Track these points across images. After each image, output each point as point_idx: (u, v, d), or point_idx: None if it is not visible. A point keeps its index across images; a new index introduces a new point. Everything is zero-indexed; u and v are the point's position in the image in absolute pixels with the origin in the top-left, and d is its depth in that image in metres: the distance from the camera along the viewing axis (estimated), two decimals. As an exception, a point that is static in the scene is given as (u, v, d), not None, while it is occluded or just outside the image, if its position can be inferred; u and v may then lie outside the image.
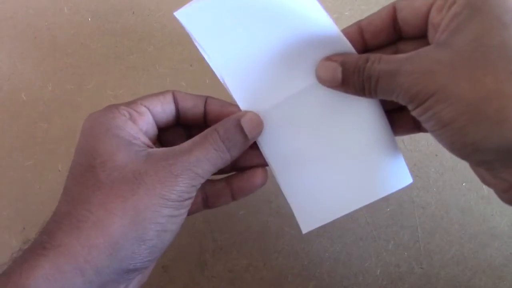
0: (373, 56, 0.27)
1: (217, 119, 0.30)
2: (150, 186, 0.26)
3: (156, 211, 0.26)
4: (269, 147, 0.32)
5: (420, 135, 0.44)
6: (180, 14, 0.29)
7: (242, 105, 0.31)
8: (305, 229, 0.32)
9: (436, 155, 0.44)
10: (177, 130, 0.33)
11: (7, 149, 0.45)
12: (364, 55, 0.27)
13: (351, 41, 0.29)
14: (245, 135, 0.29)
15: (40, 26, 0.46)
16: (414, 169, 0.44)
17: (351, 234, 0.43)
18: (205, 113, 0.31)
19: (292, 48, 0.30)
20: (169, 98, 0.30)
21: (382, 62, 0.26)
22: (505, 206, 0.43)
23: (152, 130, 0.30)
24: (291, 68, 0.30)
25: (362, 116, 0.31)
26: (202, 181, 0.28)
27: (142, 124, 0.29)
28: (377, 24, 0.29)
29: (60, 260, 0.24)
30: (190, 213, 0.29)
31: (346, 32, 0.29)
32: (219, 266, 0.44)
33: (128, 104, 0.29)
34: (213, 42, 0.30)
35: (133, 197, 0.25)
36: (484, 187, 0.43)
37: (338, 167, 0.31)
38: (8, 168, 0.45)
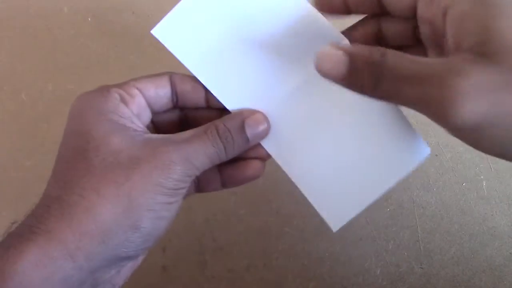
0: (391, 52, 0.22)
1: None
2: (146, 173, 0.25)
3: (150, 198, 0.25)
4: (276, 150, 0.30)
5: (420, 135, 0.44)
6: (156, 32, 0.28)
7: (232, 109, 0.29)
8: (335, 227, 0.30)
9: (436, 155, 0.44)
10: (173, 114, 0.31)
11: (7, 149, 0.45)
12: (377, 49, 0.23)
13: (334, 7, 0.27)
14: (246, 139, 0.28)
15: (40, 26, 0.46)
16: (414, 169, 0.44)
17: (351, 234, 0.43)
18: (207, 96, 0.30)
19: (278, 43, 0.28)
20: (164, 81, 0.29)
21: (403, 63, 0.22)
22: (505, 206, 0.43)
23: (145, 113, 0.29)
24: (281, 64, 0.29)
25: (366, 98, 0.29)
26: (197, 173, 0.27)
27: (133, 107, 0.28)
28: None
29: (49, 245, 0.23)
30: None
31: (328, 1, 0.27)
32: (219, 266, 0.44)
33: (120, 85, 0.28)
34: (193, 55, 0.28)
35: (127, 182, 0.25)
36: (484, 187, 0.43)
37: (353, 156, 0.30)
38: (8, 168, 0.45)
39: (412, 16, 0.26)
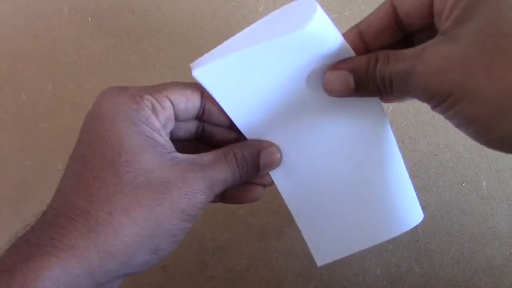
0: (381, 55, 0.25)
1: None
2: (175, 199, 0.25)
3: (175, 224, 0.25)
4: (282, 180, 0.31)
5: (420, 135, 0.44)
6: (198, 73, 0.28)
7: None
8: (319, 262, 0.32)
9: (436, 155, 0.44)
10: (192, 123, 0.31)
11: (7, 149, 0.45)
12: (373, 55, 0.26)
13: (352, 47, 0.28)
14: (258, 169, 0.29)
15: (40, 26, 0.46)
16: (414, 169, 0.44)
17: (351, 234, 0.43)
18: (231, 125, 0.30)
19: (306, 89, 0.29)
20: (196, 96, 0.29)
21: (391, 61, 0.25)
22: (505, 206, 0.43)
23: (170, 124, 0.28)
24: (302, 104, 0.30)
25: (379, 154, 0.30)
26: (212, 198, 0.28)
27: (163, 119, 0.27)
28: (378, 25, 0.27)
29: (72, 262, 0.23)
30: None
31: (345, 38, 0.28)
32: (219, 266, 0.44)
33: (153, 92, 0.27)
34: (229, 96, 0.29)
35: (157, 207, 0.25)
36: (484, 187, 0.43)
37: (353, 204, 0.31)
38: (8, 168, 0.45)
39: (432, 24, 0.27)
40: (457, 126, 0.24)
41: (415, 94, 0.24)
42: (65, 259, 0.23)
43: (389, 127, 0.30)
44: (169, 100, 0.27)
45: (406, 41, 0.29)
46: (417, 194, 0.41)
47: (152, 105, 0.27)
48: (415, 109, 0.44)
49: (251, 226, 0.44)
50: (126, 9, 0.46)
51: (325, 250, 0.32)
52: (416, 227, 0.43)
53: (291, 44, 0.27)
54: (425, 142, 0.44)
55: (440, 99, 0.23)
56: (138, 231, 0.24)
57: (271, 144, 0.30)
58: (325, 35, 0.27)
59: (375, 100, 0.29)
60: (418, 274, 0.43)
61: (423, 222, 0.43)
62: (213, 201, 0.31)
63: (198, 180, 0.26)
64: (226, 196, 0.31)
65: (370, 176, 0.31)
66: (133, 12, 0.46)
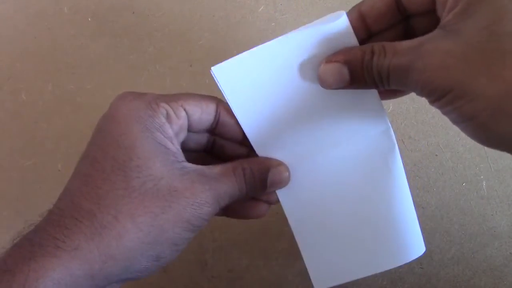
0: (377, 47, 0.25)
1: None
2: (181, 208, 0.25)
3: (178, 233, 0.25)
4: (287, 200, 0.31)
5: (420, 135, 0.44)
6: (216, 70, 0.28)
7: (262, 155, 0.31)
8: (318, 287, 0.32)
9: (436, 155, 0.44)
10: (203, 135, 0.31)
11: (7, 149, 0.45)
12: (368, 47, 0.25)
13: (354, 29, 0.27)
14: (265, 187, 0.29)
15: (40, 26, 0.46)
16: (414, 169, 0.44)
17: (351, 234, 0.43)
18: (244, 134, 0.30)
19: (322, 109, 0.29)
20: (211, 108, 0.29)
21: (388, 54, 0.24)
22: (505, 206, 0.43)
23: (182, 134, 0.28)
24: (317, 126, 0.30)
25: (387, 183, 0.30)
26: (218, 211, 0.28)
27: (176, 127, 0.27)
28: (379, 7, 0.27)
29: (74, 264, 0.23)
30: None
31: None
32: (219, 266, 0.44)
33: (169, 101, 0.27)
34: (241, 101, 0.29)
35: (162, 215, 0.25)
36: (484, 187, 0.43)
37: (358, 229, 0.31)
38: (8, 168, 0.45)
39: (433, 8, 0.26)
40: (454, 122, 0.24)
41: (413, 88, 0.24)
42: (67, 261, 0.23)
43: (399, 156, 0.30)
44: (184, 109, 0.28)
45: (406, 25, 0.28)
46: (417, 194, 0.41)
47: (167, 113, 0.27)
48: (415, 109, 0.44)
49: (251, 226, 0.44)
50: (126, 9, 0.46)
51: (324, 274, 0.32)
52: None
53: (311, 40, 0.27)
54: (425, 142, 0.44)
55: (439, 95, 0.23)
56: (142, 237, 0.24)
57: (280, 163, 0.30)
58: (345, 40, 0.27)
59: (387, 128, 0.30)
60: (418, 274, 0.43)
61: (423, 222, 0.43)
62: (217, 214, 0.31)
63: (206, 192, 0.26)
64: (230, 210, 0.31)
65: (376, 204, 0.31)
66: (133, 12, 0.46)
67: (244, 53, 0.28)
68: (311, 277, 0.32)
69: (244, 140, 0.30)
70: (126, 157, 0.25)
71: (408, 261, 0.31)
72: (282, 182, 0.30)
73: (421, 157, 0.44)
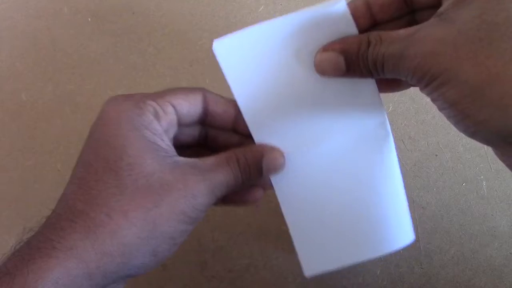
0: (373, 37, 0.25)
1: (248, 131, 0.30)
2: (174, 201, 0.25)
3: (173, 226, 0.25)
4: (281, 186, 0.31)
5: (420, 135, 0.44)
6: (217, 45, 0.28)
7: (258, 141, 0.30)
8: (308, 273, 0.32)
9: (436, 155, 0.44)
10: (195, 128, 0.31)
11: (7, 149, 0.45)
12: (364, 37, 0.26)
13: (358, 17, 0.27)
14: (260, 173, 0.29)
15: (40, 26, 0.46)
16: (414, 169, 0.44)
17: (351, 234, 0.43)
18: (235, 120, 0.30)
19: (320, 94, 0.29)
20: (198, 99, 0.29)
21: (384, 43, 0.25)
22: (505, 206, 0.43)
23: (172, 129, 0.29)
24: (314, 113, 0.30)
25: (380, 172, 0.31)
26: (215, 201, 0.28)
27: (165, 124, 0.28)
28: None
29: (71, 264, 0.23)
30: None
31: (352, 7, 0.27)
32: (219, 266, 0.44)
33: (155, 98, 0.27)
34: (241, 81, 0.29)
35: (155, 209, 0.25)
36: (484, 187, 0.43)
37: (349, 215, 0.31)
38: (8, 168, 0.45)
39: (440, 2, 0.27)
40: (440, 109, 0.25)
41: (405, 75, 0.25)
42: (64, 260, 0.23)
43: (393, 146, 0.30)
44: (171, 105, 0.28)
45: (411, 19, 0.28)
46: (417, 194, 0.41)
47: (155, 110, 0.27)
48: (415, 109, 0.44)
49: (251, 226, 0.44)
50: (126, 9, 0.46)
51: (314, 260, 0.32)
52: (416, 227, 0.43)
53: (311, 21, 0.27)
54: (425, 142, 0.44)
55: (428, 81, 0.24)
56: (136, 232, 0.24)
57: (275, 148, 0.30)
58: (343, 26, 0.27)
59: (383, 120, 0.30)
60: (418, 274, 0.43)
61: (423, 222, 0.43)
62: (214, 204, 0.31)
63: (199, 183, 0.26)
64: (226, 198, 0.31)
65: (368, 191, 0.31)
66: (133, 12, 0.46)
67: (245, 29, 0.28)
68: (301, 263, 0.32)
69: (235, 127, 0.30)
70: (117, 157, 0.25)
71: (396, 249, 0.31)
72: (277, 168, 0.30)
73: (421, 157, 0.44)
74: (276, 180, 0.31)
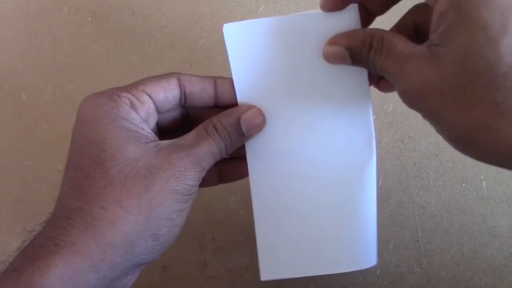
0: (375, 41, 0.26)
1: (230, 101, 0.30)
2: (164, 182, 0.25)
3: (168, 206, 0.26)
4: (257, 183, 0.31)
5: (420, 135, 0.44)
6: (227, 28, 0.29)
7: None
8: (264, 277, 0.32)
9: (436, 155, 0.44)
10: (176, 111, 0.32)
11: (7, 149, 0.45)
12: (368, 37, 0.26)
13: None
14: (242, 134, 0.29)
15: (40, 26, 0.46)
16: (414, 169, 0.44)
17: (351, 234, 0.43)
18: (216, 96, 0.30)
19: (316, 88, 0.30)
20: (173, 83, 0.29)
21: (383, 54, 0.25)
22: (505, 206, 0.43)
23: (153, 118, 0.29)
24: (306, 110, 0.30)
25: (355, 192, 0.31)
26: (204, 174, 0.28)
27: (143, 113, 0.28)
28: None
29: (75, 258, 0.24)
30: None
31: None
32: (219, 266, 0.44)
33: (129, 89, 0.28)
34: (241, 63, 0.30)
35: (147, 193, 0.25)
36: (484, 187, 0.43)
37: (317, 228, 0.31)
38: (8, 168, 0.45)
39: None
40: (440, 136, 0.26)
41: (400, 97, 0.26)
42: (68, 255, 0.24)
43: (375, 167, 0.31)
44: (147, 94, 0.28)
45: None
46: (417, 194, 0.41)
47: (130, 101, 0.27)
48: (415, 109, 0.44)
49: (251, 226, 0.44)
50: (126, 9, 0.46)
51: (273, 265, 0.32)
52: (416, 227, 0.43)
53: (320, 23, 0.28)
54: (425, 142, 0.44)
55: (422, 115, 0.25)
56: (133, 219, 0.25)
57: (251, 106, 0.30)
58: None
59: (370, 135, 0.30)
60: (418, 274, 0.43)
61: (423, 222, 0.43)
62: (212, 183, 0.32)
63: (184, 159, 0.26)
64: (222, 176, 0.32)
65: (341, 207, 0.31)
66: (133, 12, 0.46)
67: (258, 19, 0.29)
68: (260, 266, 0.31)
69: (217, 102, 0.31)
70: (99, 150, 0.25)
71: (357, 269, 0.31)
72: (258, 126, 0.30)
73: (421, 157, 0.44)
74: (253, 174, 0.31)
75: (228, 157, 0.32)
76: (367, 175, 0.31)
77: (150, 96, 0.28)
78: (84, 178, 0.25)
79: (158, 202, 0.25)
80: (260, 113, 0.30)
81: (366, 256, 0.32)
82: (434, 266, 0.43)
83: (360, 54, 0.26)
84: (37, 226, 0.26)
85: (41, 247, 0.24)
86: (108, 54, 0.45)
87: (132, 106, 0.27)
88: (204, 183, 0.32)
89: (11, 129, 0.45)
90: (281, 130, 0.30)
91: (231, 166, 0.32)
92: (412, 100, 0.25)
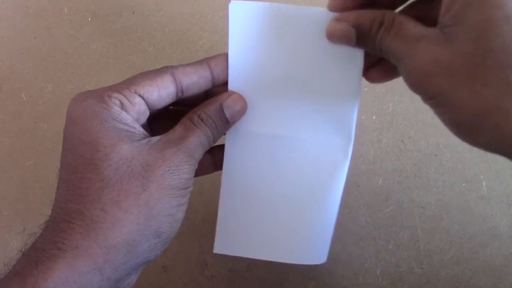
0: (387, 19, 0.25)
1: (227, 80, 0.30)
2: (160, 179, 0.25)
3: (167, 202, 0.26)
4: (231, 160, 0.31)
5: (420, 135, 0.44)
6: (233, 6, 0.29)
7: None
8: (217, 249, 0.32)
9: (436, 155, 0.44)
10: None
11: (7, 149, 0.45)
12: (379, 15, 0.26)
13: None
14: (226, 120, 0.29)
15: (40, 26, 0.46)
16: (414, 169, 0.44)
17: (351, 234, 0.43)
18: (212, 78, 0.30)
19: (311, 79, 0.30)
20: (167, 81, 0.28)
21: (392, 32, 0.25)
22: (505, 206, 0.43)
23: (144, 117, 0.28)
24: (294, 102, 0.30)
25: (322, 190, 0.31)
26: (197, 165, 0.28)
27: (134, 114, 0.27)
28: None
29: (78, 261, 0.24)
30: None
31: None
32: (219, 266, 0.44)
33: (120, 89, 0.27)
34: (240, 43, 0.30)
35: (144, 192, 0.25)
36: (484, 187, 0.43)
37: (278, 215, 0.32)
38: (8, 168, 0.45)
39: None
40: (441, 121, 0.25)
41: (403, 79, 0.25)
42: (71, 259, 0.24)
43: (345, 172, 0.31)
44: (139, 95, 0.27)
45: None
46: (417, 194, 0.41)
47: (121, 102, 0.27)
48: (415, 109, 0.44)
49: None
50: (126, 9, 0.46)
51: (229, 241, 0.32)
52: (416, 227, 0.43)
53: (326, 21, 0.28)
54: (425, 142, 0.44)
55: (425, 98, 0.24)
56: (134, 219, 0.25)
57: (231, 93, 0.30)
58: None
59: (348, 141, 0.31)
60: (418, 274, 0.43)
61: (423, 222, 0.43)
62: (209, 171, 0.32)
63: (176, 153, 0.26)
64: (217, 162, 0.32)
65: (305, 200, 0.32)
66: (133, 12, 0.46)
67: (266, 3, 0.29)
68: (216, 239, 0.32)
69: (215, 84, 0.30)
70: (93, 150, 0.25)
71: (306, 263, 0.32)
72: (241, 110, 0.30)
73: (421, 157, 0.44)
74: (228, 152, 0.31)
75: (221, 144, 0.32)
76: (337, 177, 0.31)
77: (142, 97, 0.28)
78: (79, 180, 0.25)
79: (156, 199, 0.25)
80: (242, 98, 0.30)
81: (318, 253, 0.32)
82: (434, 266, 0.43)
83: (369, 32, 0.26)
84: (37, 228, 0.26)
85: (43, 250, 0.24)
86: (108, 54, 0.45)
87: (123, 107, 0.27)
88: (200, 171, 0.32)
89: (11, 129, 0.45)
90: (264, 116, 0.31)
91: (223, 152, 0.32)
92: (418, 81, 0.24)
